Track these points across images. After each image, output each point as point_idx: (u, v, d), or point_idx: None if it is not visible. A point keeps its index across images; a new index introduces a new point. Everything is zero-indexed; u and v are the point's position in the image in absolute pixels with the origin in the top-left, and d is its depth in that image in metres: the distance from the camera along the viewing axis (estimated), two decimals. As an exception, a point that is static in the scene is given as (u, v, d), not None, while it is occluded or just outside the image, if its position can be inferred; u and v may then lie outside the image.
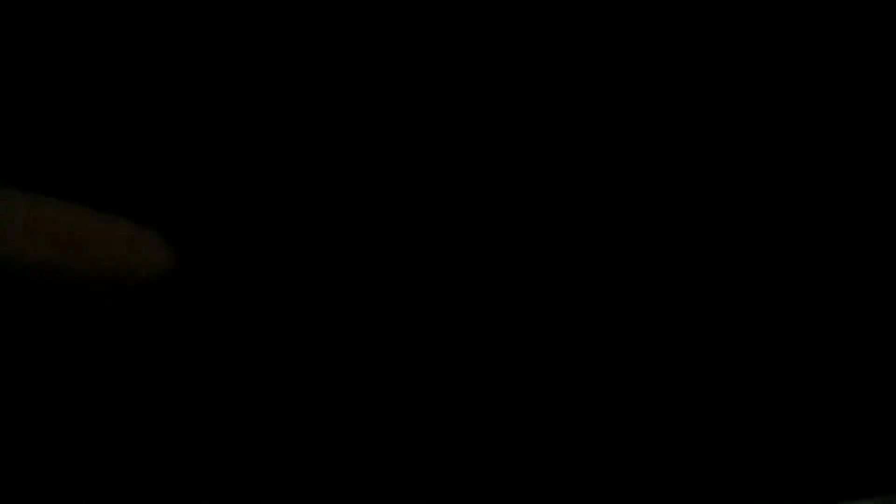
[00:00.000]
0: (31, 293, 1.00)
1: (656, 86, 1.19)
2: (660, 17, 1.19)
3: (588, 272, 1.18)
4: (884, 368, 1.18)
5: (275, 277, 1.15)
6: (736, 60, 1.19)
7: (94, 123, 1.14)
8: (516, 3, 1.18)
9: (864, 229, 1.20)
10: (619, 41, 1.19)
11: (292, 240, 1.16)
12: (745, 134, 1.20)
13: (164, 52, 1.15)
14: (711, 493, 1.14)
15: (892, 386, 1.17)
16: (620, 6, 1.19)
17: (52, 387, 1.09)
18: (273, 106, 1.16)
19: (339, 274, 1.16)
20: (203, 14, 1.15)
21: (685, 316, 1.18)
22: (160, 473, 1.10)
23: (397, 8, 1.17)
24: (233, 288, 1.14)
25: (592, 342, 1.17)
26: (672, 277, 1.18)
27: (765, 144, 1.20)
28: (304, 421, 1.14)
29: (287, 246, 1.16)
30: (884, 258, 1.19)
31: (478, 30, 1.18)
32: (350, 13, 1.17)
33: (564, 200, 1.19)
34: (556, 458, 1.15)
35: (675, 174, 1.20)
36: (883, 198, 1.20)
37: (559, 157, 1.19)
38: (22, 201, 0.96)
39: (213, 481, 1.11)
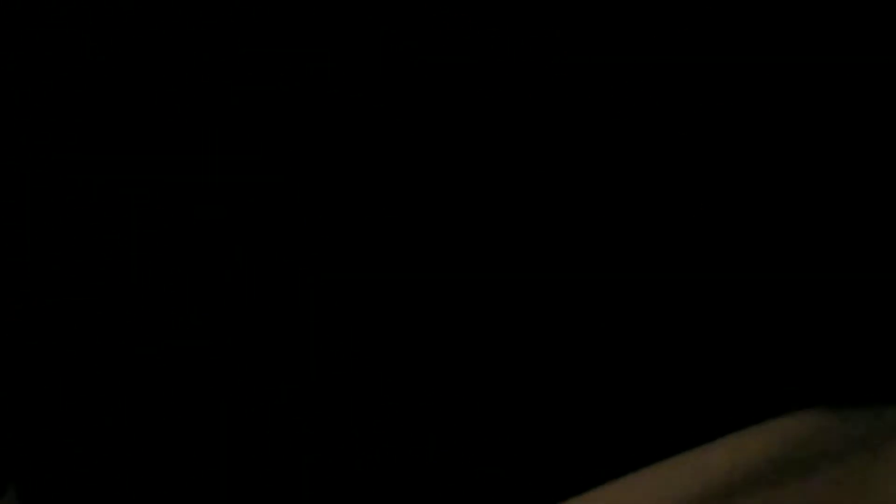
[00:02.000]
0: None
1: (656, 86, 1.19)
2: (660, 16, 1.19)
3: (588, 272, 1.18)
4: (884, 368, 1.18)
5: (275, 277, 1.16)
6: (736, 60, 1.19)
7: (94, 123, 1.14)
8: (516, 3, 1.18)
9: (864, 229, 1.20)
10: (619, 41, 1.19)
11: (292, 240, 1.16)
12: (745, 134, 1.20)
13: (164, 52, 1.15)
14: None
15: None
16: (621, 6, 1.19)
17: (50, 387, 1.10)
18: (273, 106, 1.16)
19: (339, 274, 1.16)
20: (203, 14, 1.15)
21: (685, 316, 1.18)
22: (160, 474, 1.11)
23: (397, 8, 1.18)
24: (232, 288, 1.15)
25: (591, 342, 1.17)
26: (672, 278, 1.18)
27: (765, 145, 1.20)
28: (304, 421, 1.14)
29: (287, 246, 1.16)
30: (884, 258, 1.19)
31: (477, 30, 1.18)
32: (350, 13, 1.17)
33: (563, 201, 1.19)
34: (555, 458, 1.15)
35: (676, 174, 1.20)
36: (883, 198, 1.20)
37: (559, 157, 1.19)
38: None
39: (213, 482, 1.12)
